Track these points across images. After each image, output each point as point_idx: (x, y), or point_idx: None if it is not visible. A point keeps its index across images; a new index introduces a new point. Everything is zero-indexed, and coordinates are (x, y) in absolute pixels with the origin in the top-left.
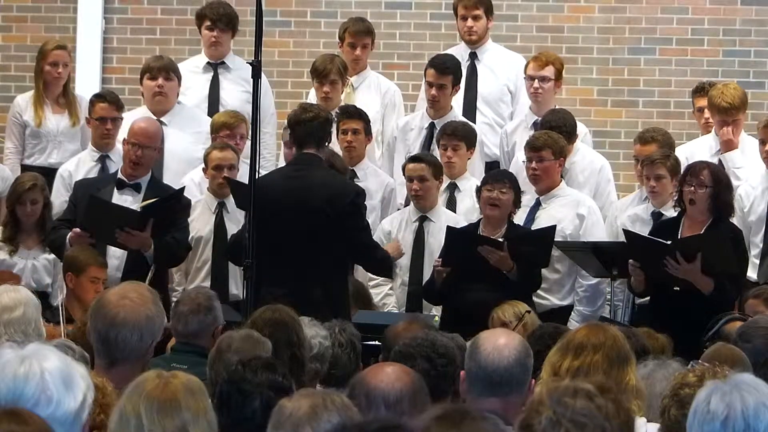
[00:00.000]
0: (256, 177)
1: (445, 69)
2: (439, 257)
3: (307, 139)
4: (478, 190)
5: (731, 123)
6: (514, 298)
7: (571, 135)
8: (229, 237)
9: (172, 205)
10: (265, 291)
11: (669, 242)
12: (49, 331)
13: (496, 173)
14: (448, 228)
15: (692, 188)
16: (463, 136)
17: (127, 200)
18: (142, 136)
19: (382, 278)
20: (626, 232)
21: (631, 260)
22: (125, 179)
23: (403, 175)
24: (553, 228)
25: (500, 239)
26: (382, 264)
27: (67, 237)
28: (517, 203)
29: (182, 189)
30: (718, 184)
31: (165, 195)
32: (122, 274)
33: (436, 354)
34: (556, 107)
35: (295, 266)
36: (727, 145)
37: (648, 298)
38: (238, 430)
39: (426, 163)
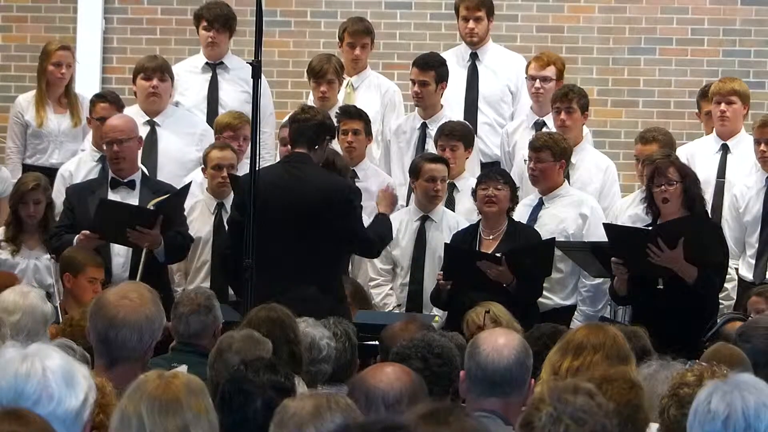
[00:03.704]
0: (255, 175)
1: (426, 65)
2: (440, 271)
3: (299, 139)
4: (474, 191)
5: (728, 104)
6: (515, 303)
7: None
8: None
9: (180, 200)
10: (259, 290)
11: (650, 228)
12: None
13: (489, 171)
14: (446, 245)
15: (662, 187)
16: (461, 136)
17: (124, 198)
18: (112, 132)
19: (382, 279)
20: (606, 225)
21: (613, 258)
22: (118, 178)
23: (410, 175)
24: (552, 240)
25: (498, 254)
26: (378, 243)
27: (75, 241)
28: (514, 199)
29: (189, 184)
30: (685, 178)
31: (174, 190)
32: (128, 272)
33: (432, 354)
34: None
35: (288, 264)
36: (725, 127)
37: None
38: (239, 430)
39: (445, 164)
